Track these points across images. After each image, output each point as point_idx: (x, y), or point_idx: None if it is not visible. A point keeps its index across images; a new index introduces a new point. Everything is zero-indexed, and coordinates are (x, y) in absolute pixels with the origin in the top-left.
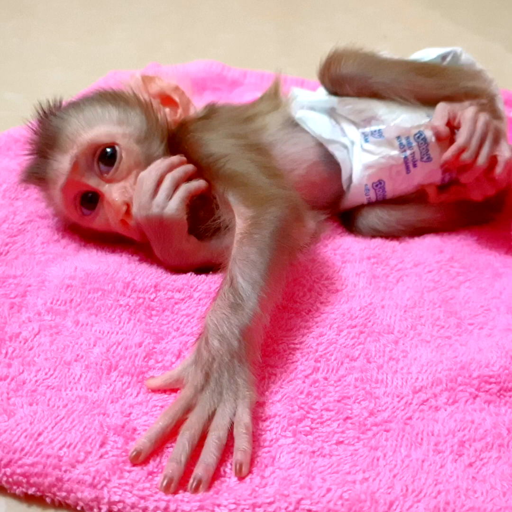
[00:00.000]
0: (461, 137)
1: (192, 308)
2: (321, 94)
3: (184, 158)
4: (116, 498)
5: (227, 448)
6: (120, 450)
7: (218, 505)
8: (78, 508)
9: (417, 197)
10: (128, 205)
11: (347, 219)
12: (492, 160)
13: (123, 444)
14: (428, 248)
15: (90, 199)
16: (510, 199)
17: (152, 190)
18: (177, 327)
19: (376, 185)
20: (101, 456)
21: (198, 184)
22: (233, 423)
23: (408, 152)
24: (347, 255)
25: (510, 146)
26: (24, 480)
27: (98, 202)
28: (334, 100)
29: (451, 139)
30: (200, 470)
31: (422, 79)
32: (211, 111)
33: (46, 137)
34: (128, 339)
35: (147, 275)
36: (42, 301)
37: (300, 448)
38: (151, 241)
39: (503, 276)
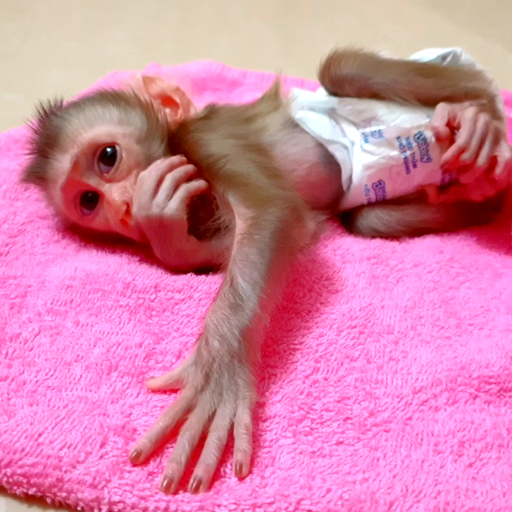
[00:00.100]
0: (461, 138)
1: (192, 308)
2: (321, 94)
3: (184, 159)
4: (116, 498)
5: (227, 448)
6: (121, 450)
7: (218, 506)
8: (79, 508)
9: (417, 197)
10: (128, 205)
11: (347, 219)
12: (492, 161)
13: (124, 444)
14: (428, 249)
15: (90, 199)
16: (510, 200)
17: (152, 190)
18: (177, 327)
19: (376, 186)
20: (101, 457)
21: (198, 184)
22: (233, 423)
23: (408, 153)
24: (347, 256)
25: (510, 146)
26: (25, 481)
27: (98, 202)
28: (334, 100)
29: (451, 140)
30: (200, 471)
31: (422, 79)
32: (211, 112)
33: (47, 136)
34: (128, 339)
35: (147, 275)
36: (42, 302)
37: (300, 448)
38: (151, 241)
39: (503, 276)
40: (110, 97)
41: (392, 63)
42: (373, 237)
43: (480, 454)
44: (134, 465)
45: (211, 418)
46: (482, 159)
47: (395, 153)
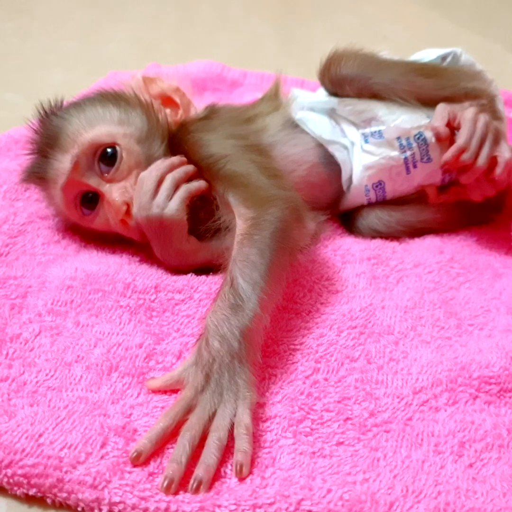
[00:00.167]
0: (461, 138)
1: (192, 309)
2: (321, 95)
3: (184, 159)
4: (116, 499)
5: (227, 449)
6: (121, 451)
7: (219, 506)
8: (79, 509)
9: (417, 198)
10: (128, 205)
11: (347, 220)
12: (492, 161)
13: (124, 445)
14: (428, 249)
15: (91, 199)
16: (510, 200)
17: (152, 190)
18: (178, 328)
19: (376, 186)
20: (101, 457)
21: (198, 184)
22: (233, 424)
23: (408, 153)
24: (347, 256)
25: (510, 146)
26: (25, 481)
27: (99, 202)
28: (334, 101)
29: (451, 140)
30: (200, 471)
31: (422, 80)
32: (211, 112)
33: (47, 136)
34: (128, 340)
35: (148, 276)
36: (43, 302)
37: (300, 449)
38: (151, 241)
39: (503, 276)
40: (110, 97)
41: (392, 63)
42: (373, 237)
43: (480, 455)
44: (135, 466)
45: (211, 418)
46: (482, 160)
47: (395, 153)
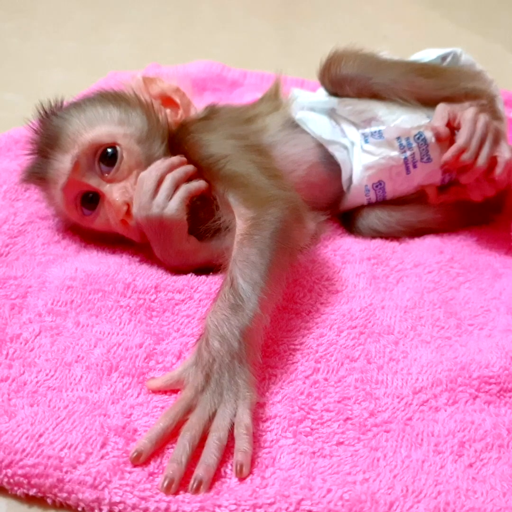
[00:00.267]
0: (461, 138)
1: (192, 309)
2: (321, 95)
3: (184, 159)
4: (117, 499)
5: (227, 449)
6: (121, 451)
7: (219, 506)
8: (79, 509)
9: (417, 198)
10: (129, 205)
11: (347, 220)
12: (492, 161)
13: (124, 445)
14: (428, 249)
15: (91, 199)
16: (510, 200)
17: (152, 190)
18: (178, 328)
19: (376, 186)
20: (102, 457)
21: (198, 184)
22: (233, 424)
23: (408, 153)
24: (347, 256)
25: (510, 147)
26: (25, 481)
27: (99, 202)
28: (334, 101)
29: (451, 140)
30: (200, 471)
31: (422, 80)
32: (211, 112)
33: (47, 136)
34: (128, 340)
35: (148, 276)
36: (43, 302)
37: (300, 448)
38: (151, 241)
39: (503, 276)
40: (110, 98)
41: (392, 64)
42: (373, 237)
43: (480, 454)
44: (135, 466)
45: (211, 418)
46: (482, 160)
47: (395, 153)
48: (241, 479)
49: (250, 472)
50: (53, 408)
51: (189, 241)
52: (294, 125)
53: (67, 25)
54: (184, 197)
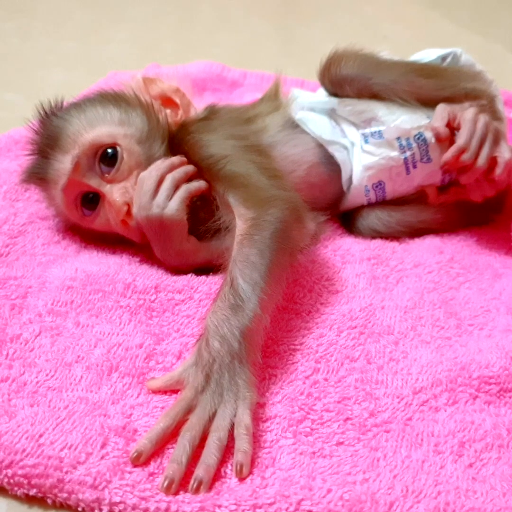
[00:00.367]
0: (461, 138)
1: (192, 309)
2: (321, 95)
3: (184, 159)
4: (117, 499)
5: (227, 449)
6: (121, 451)
7: (219, 506)
8: (79, 509)
9: (417, 198)
10: (129, 206)
11: (347, 220)
12: (492, 161)
13: (124, 445)
14: (428, 249)
15: (91, 200)
16: (510, 200)
17: (152, 190)
18: (178, 328)
19: (376, 186)
20: (102, 457)
21: (198, 184)
22: (233, 424)
23: (408, 153)
24: (347, 256)
25: (510, 147)
26: (25, 482)
27: (99, 203)
28: (334, 101)
29: (451, 140)
30: (200, 471)
31: (422, 80)
32: (211, 112)
33: (48, 137)
34: (128, 340)
35: (148, 276)
36: (43, 303)
37: (300, 449)
38: (151, 241)
39: (503, 277)
40: (110, 98)
41: (392, 64)
42: (373, 237)
43: (480, 455)
44: (135, 466)
45: (211, 418)
46: (482, 160)
47: (395, 153)
48: (241, 479)
49: (250, 472)
50: (53, 409)
51: (189, 241)
52: (294, 125)
53: (67, 25)
54: (184, 197)
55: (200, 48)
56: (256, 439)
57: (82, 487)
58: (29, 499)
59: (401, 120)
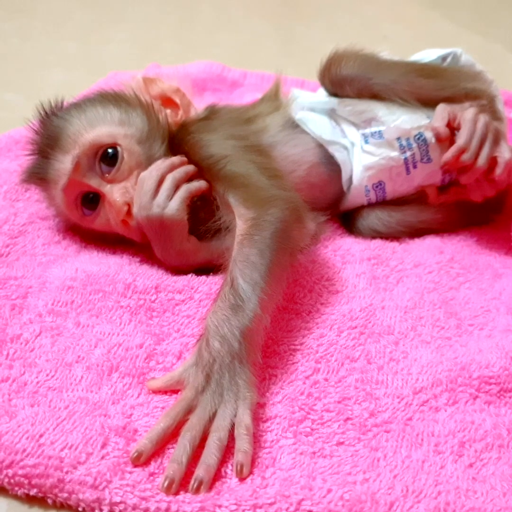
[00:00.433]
0: (461, 138)
1: (192, 309)
2: (321, 95)
3: (185, 159)
4: (117, 499)
5: (228, 449)
6: (122, 451)
7: (219, 506)
8: (80, 509)
9: (417, 198)
10: (129, 206)
11: (347, 220)
12: (492, 161)
13: (125, 445)
14: (428, 249)
15: (91, 200)
16: (510, 200)
17: (153, 190)
18: (178, 328)
19: (376, 186)
20: (102, 457)
21: (198, 184)
22: (234, 424)
23: (408, 153)
24: (347, 256)
25: (510, 147)
26: (26, 481)
27: (99, 203)
28: (334, 101)
29: (451, 141)
30: (201, 471)
31: (422, 80)
32: (211, 112)
33: (48, 137)
34: (129, 340)
35: (148, 276)
36: (43, 303)
37: (300, 449)
38: (151, 241)
39: (503, 277)
40: (111, 98)
41: (392, 64)
42: (373, 237)
43: (480, 455)
44: (135, 466)
45: (211, 418)
46: (482, 160)
47: (395, 154)
48: (242, 479)
49: (251, 472)
50: (53, 409)
51: (190, 241)
52: (294, 126)
53: (67, 25)
54: (185, 197)
55: (200, 48)
56: (256, 439)
57: (82, 487)
58: (29, 499)
59: (401, 120)
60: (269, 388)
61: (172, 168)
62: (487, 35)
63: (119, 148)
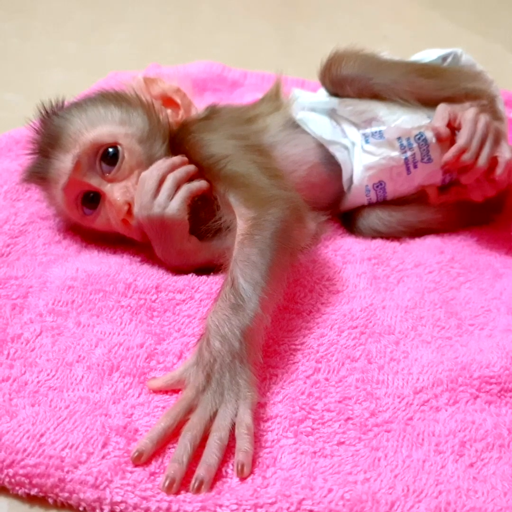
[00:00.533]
0: (461, 138)
1: (193, 309)
2: (321, 95)
3: (185, 159)
4: (118, 498)
5: (228, 448)
6: (122, 450)
7: (220, 506)
8: (81, 508)
9: (417, 198)
10: (130, 205)
11: (347, 220)
12: (493, 161)
13: (125, 445)
14: (429, 249)
15: (92, 199)
16: (510, 200)
17: (153, 190)
18: (179, 328)
19: (377, 186)
20: (103, 457)
21: (199, 184)
22: (234, 423)
23: (408, 153)
24: (348, 256)
25: (510, 147)
26: (27, 481)
27: (100, 202)
28: (334, 101)
29: (451, 140)
30: (202, 471)
31: (422, 80)
32: (212, 112)
33: (49, 136)
34: (129, 340)
35: (149, 276)
36: (44, 302)
37: (301, 448)
38: (152, 241)
39: (504, 276)
40: (111, 98)
41: (393, 64)
42: (374, 237)
43: (481, 454)
44: (136, 465)
45: (212, 418)
46: (482, 160)
47: (395, 153)
48: (242, 478)
49: (251, 472)
50: (54, 408)
51: (190, 241)
52: (294, 126)
53: (67, 25)
54: (186, 197)
55: (200, 48)
56: (257, 438)
57: (83, 487)
58: (30, 499)
59: (402, 120)
60: (270, 387)
61: (173, 168)
62: (487, 35)
63: (119, 148)
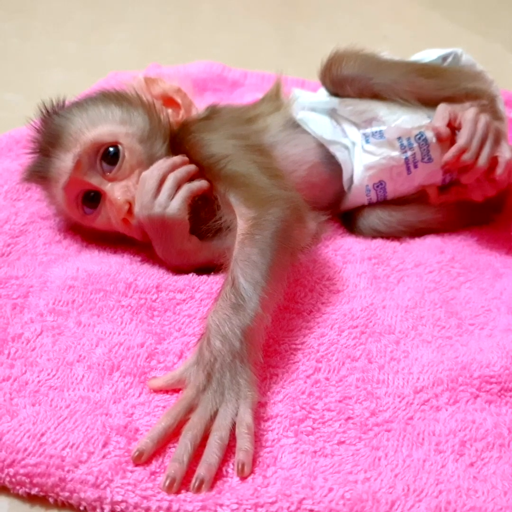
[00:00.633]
0: (462, 138)
1: (193, 308)
2: (322, 95)
3: (186, 158)
4: (118, 498)
5: (229, 448)
6: (123, 450)
7: (221, 505)
8: (81, 508)
9: (418, 197)
10: (130, 204)
11: (348, 219)
12: (493, 161)
13: (126, 444)
14: (429, 249)
15: (92, 198)
16: (510, 200)
17: (154, 189)
18: (179, 327)
19: (377, 186)
20: (103, 456)
21: (200, 184)
22: (235, 423)
23: (409, 153)
24: (348, 256)
25: (510, 147)
26: (27, 480)
27: (100, 201)
28: (335, 101)
29: (452, 140)
30: (202, 470)
31: (422, 80)
32: (212, 112)
33: (49, 135)
34: (130, 339)
35: (149, 275)
36: (44, 302)
37: (302, 448)
38: (152, 240)
39: (504, 276)
40: (112, 97)
41: (393, 64)
42: (374, 237)
43: (481, 454)
44: (137, 465)
45: (213, 417)
46: (482, 160)
47: (396, 153)
48: (243, 478)
49: (252, 471)
50: (55, 408)
51: (191, 241)
52: (295, 125)
53: (67, 25)
54: (186, 197)
55: (200, 48)
56: (257, 438)
57: (83, 486)
58: (30, 498)
59: (402, 120)
60: (270, 387)
61: (173, 168)
62: (487, 35)
63: (120, 147)
